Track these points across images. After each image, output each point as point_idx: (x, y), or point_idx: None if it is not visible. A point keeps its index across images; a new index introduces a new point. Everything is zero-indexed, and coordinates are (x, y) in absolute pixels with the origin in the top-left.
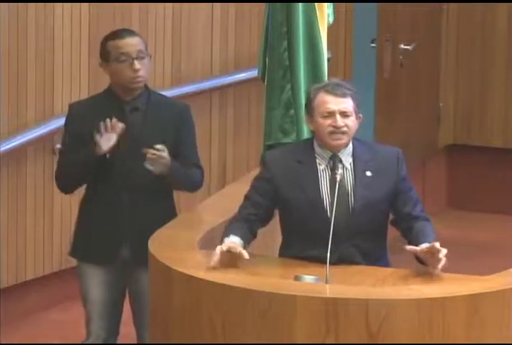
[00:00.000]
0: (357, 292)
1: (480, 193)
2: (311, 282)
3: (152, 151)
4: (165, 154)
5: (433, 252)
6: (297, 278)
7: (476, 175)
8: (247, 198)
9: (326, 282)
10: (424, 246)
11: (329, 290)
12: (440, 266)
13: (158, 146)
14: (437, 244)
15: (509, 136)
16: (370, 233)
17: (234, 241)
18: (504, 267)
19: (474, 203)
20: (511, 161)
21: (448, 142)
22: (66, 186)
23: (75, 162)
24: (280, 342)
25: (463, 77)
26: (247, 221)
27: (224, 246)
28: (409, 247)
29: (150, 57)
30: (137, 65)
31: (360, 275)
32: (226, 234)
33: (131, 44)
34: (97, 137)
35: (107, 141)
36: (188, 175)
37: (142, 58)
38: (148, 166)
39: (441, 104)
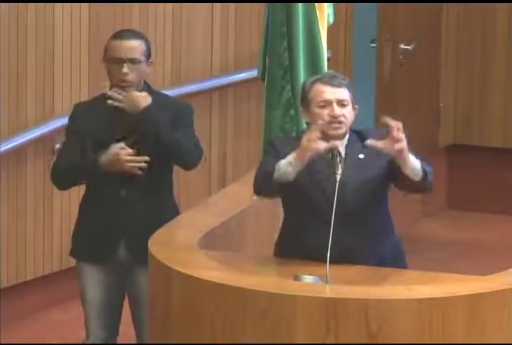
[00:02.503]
0: (357, 292)
1: (480, 193)
2: (311, 282)
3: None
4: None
5: (391, 135)
6: (297, 278)
7: (476, 175)
8: (265, 155)
9: (326, 282)
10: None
11: (329, 290)
12: (399, 145)
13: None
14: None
15: (509, 136)
16: (368, 215)
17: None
18: (504, 267)
19: (474, 203)
20: (511, 161)
21: (448, 142)
22: (60, 184)
23: (73, 167)
24: (280, 342)
25: (463, 77)
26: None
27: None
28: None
29: (150, 61)
30: (125, 68)
31: (360, 275)
32: (271, 169)
33: (125, 47)
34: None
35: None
36: (181, 140)
37: (134, 63)
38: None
39: (441, 104)
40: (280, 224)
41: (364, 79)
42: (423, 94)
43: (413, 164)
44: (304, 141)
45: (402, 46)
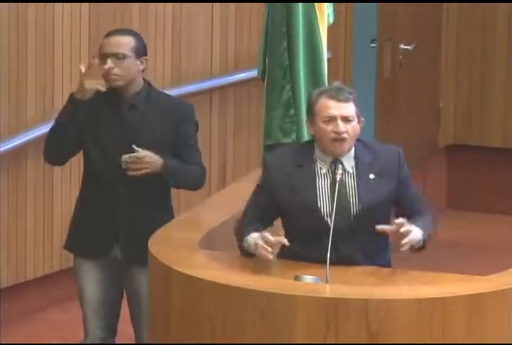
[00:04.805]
0: (357, 292)
1: (480, 193)
2: (311, 282)
3: (127, 156)
4: (146, 154)
5: (398, 230)
6: (297, 278)
7: (476, 175)
8: (251, 199)
9: (326, 282)
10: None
11: (329, 290)
12: (404, 241)
13: (136, 152)
14: (402, 220)
15: (509, 136)
16: (372, 235)
17: (256, 236)
18: (504, 267)
19: (474, 203)
20: (511, 161)
21: (448, 142)
22: (48, 151)
23: (56, 119)
24: (280, 342)
25: (463, 77)
26: (254, 221)
27: (261, 240)
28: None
29: (144, 58)
30: (109, 63)
31: (360, 275)
32: (242, 236)
33: (110, 43)
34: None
35: (93, 84)
36: (188, 171)
37: (119, 58)
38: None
39: (441, 104)
40: (278, 224)
41: (364, 79)
42: (423, 94)
43: (418, 241)
44: (260, 249)
45: (402, 46)
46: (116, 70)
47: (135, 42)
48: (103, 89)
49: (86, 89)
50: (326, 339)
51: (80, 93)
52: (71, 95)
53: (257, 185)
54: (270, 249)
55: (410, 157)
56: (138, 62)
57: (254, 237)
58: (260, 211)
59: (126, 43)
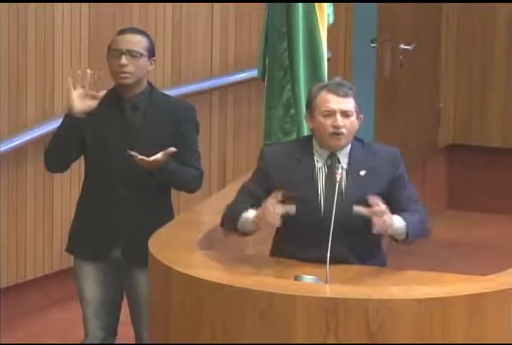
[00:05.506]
0: (357, 292)
1: (479, 193)
2: (311, 282)
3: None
4: (159, 156)
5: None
6: (297, 278)
7: (476, 174)
8: (244, 187)
9: (326, 282)
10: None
11: (329, 290)
12: (374, 220)
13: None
14: (378, 200)
15: (509, 136)
16: (364, 231)
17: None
18: (504, 267)
19: (474, 203)
20: (511, 161)
21: (448, 142)
22: (50, 162)
23: (55, 133)
24: (279, 342)
25: (463, 77)
26: (244, 207)
27: (269, 204)
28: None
29: (153, 59)
30: (123, 60)
31: (360, 275)
32: (235, 215)
33: (126, 40)
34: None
35: (84, 105)
36: (184, 174)
37: (134, 56)
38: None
39: (441, 104)
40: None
41: (364, 79)
42: (423, 94)
43: (396, 229)
44: (262, 209)
45: (402, 46)
46: (129, 68)
47: (148, 42)
48: (95, 105)
49: (77, 111)
50: (326, 339)
51: (72, 113)
52: (65, 116)
53: (252, 174)
54: (278, 212)
55: (410, 157)
56: (149, 63)
57: (252, 212)
58: (251, 198)
59: (140, 42)
